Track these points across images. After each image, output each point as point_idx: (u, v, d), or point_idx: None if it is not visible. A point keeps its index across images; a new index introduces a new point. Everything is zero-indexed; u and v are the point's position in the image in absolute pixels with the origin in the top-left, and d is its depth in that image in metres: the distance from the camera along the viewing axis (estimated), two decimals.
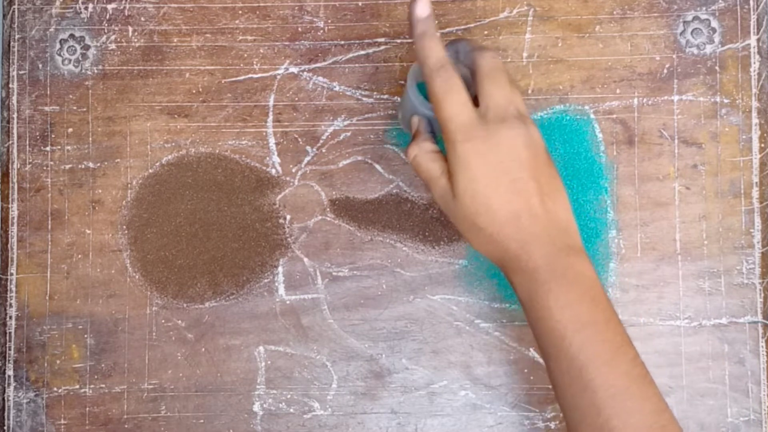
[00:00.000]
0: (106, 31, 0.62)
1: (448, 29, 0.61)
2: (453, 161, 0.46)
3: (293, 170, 0.61)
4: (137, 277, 0.61)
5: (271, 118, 0.61)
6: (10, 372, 0.60)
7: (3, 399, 0.60)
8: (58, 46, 0.62)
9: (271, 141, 0.61)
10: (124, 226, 0.61)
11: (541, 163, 0.47)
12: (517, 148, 0.46)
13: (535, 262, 0.46)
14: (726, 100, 0.61)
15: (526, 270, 0.46)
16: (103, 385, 0.60)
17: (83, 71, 0.62)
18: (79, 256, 0.61)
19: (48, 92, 0.61)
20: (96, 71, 0.62)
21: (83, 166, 0.61)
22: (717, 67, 0.61)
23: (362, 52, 0.61)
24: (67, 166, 0.61)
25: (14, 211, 0.61)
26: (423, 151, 0.49)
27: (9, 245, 0.61)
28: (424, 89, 0.50)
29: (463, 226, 0.48)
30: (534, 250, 0.46)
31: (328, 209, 0.61)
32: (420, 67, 0.48)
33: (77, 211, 0.61)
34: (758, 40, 0.61)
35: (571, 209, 0.48)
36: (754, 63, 0.61)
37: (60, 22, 0.62)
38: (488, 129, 0.46)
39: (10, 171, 0.61)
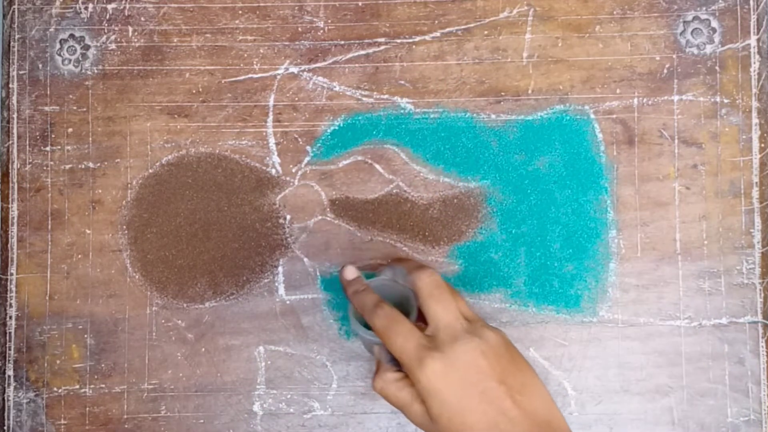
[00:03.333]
0: (106, 31, 0.62)
1: (448, 29, 0.61)
2: (420, 389, 0.47)
3: (293, 170, 0.61)
4: (137, 277, 0.61)
5: (271, 118, 0.61)
6: (10, 372, 0.60)
7: (3, 399, 0.60)
8: (58, 46, 0.62)
9: (271, 141, 0.61)
10: (124, 226, 0.61)
11: (505, 362, 0.47)
12: (476, 360, 0.46)
13: None
14: (726, 100, 0.61)
15: None
16: (103, 385, 0.60)
17: (83, 71, 0.62)
18: (79, 256, 0.61)
19: (48, 92, 0.61)
20: (96, 71, 0.62)
21: (83, 166, 0.61)
22: (717, 67, 0.61)
23: (362, 52, 0.61)
24: (67, 166, 0.61)
25: (14, 211, 0.61)
26: (388, 382, 0.49)
27: (9, 245, 0.61)
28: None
29: None
30: None
31: (328, 209, 0.61)
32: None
33: (77, 211, 0.61)
34: (758, 40, 0.61)
35: (548, 397, 0.47)
36: (754, 63, 0.61)
37: (60, 22, 0.62)
38: (443, 351, 0.46)
39: (10, 171, 0.61)
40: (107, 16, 0.62)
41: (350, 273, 0.53)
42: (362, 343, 0.58)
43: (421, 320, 0.49)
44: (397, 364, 0.49)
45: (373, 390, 0.50)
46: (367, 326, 0.50)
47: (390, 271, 0.53)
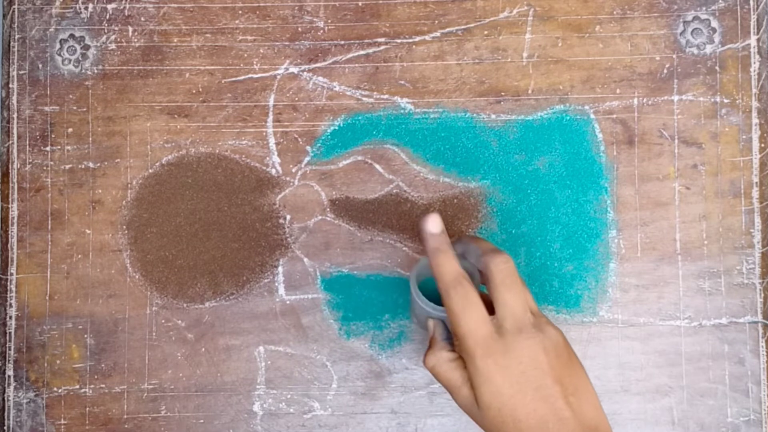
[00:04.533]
0: (106, 31, 0.62)
1: (448, 29, 0.61)
2: (474, 374, 0.46)
3: (293, 170, 0.61)
4: (137, 277, 0.61)
5: (271, 118, 0.61)
6: (10, 372, 0.60)
7: (3, 399, 0.60)
8: (58, 46, 0.62)
9: (271, 141, 0.61)
10: (124, 226, 0.61)
11: (563, 362, 0.47)
12: (537, 356, 0.46)
13: None
14: (726, 100, 0.61)
15: None
16: (103, 385, 0.60)
17: (83, 71, 0.61)
18: (79, 256, 0.61)
19: (48, 92, 0.61)
20: (96, 71, 0.62)
21: (83, 166, 0.61)
22: (717, 67, 0.61)
23: (362, 52, 0.61)
24: (67, 166, 0.61)
25: (14, 211, 0.61)
26: (441, 361, 0.49)
27: (9, 245, 0.61)
28: (427, 285, 0.50)
29: None
30: None
31: (328, 209, 0.61)
32: (425, 271, 0.49)
33: (77, 211, 0.61)
34: (758, 40, 0.61)
35: (598, 402, 0.47)
36: (754, 63, 0.61)
37: (60, 22, 0.62)
38: (507, 342, 0.46)
39: (10, 171, 0.61)
40: (107, 16, 0.62)
41: (435, 225, 0.48)
42: (413, 312, 0.55)
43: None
44: (451, 343, 0.48)
45: (424, 365, 0.49)
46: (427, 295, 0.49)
47: (460, 246, 0.50)
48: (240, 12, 0.62)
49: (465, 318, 0.46)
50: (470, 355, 0.46)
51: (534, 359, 0.46)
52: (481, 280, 0.50)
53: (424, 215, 0.49)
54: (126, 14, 0.62)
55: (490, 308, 0.47)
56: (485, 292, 0.48)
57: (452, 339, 0.50)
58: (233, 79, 0.61)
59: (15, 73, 0.61)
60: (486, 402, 0.46)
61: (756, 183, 0.60)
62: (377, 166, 0.61)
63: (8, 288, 0.60)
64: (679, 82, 0.61)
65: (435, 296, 0.49)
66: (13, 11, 0.62)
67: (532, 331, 0.46)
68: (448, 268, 0.47)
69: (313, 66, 0.61)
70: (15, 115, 0.61)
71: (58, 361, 0.60)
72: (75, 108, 0.61)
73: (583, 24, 0.61)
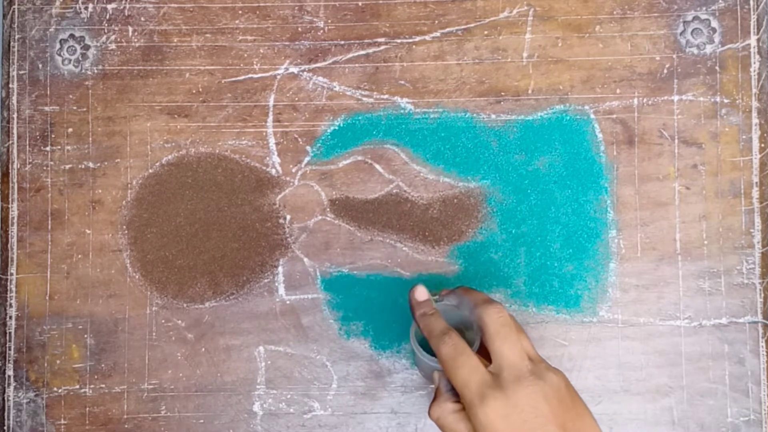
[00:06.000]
0: (106, 31, 0.62)
1: (448, 29, 0.61)
2: (477, 425, 0.46)
3: (293, 170, 0.61)
4: (137, 277, 0.61)
5: (271, 118, 0.61)
6: (10, 372, 0.60)
7: (3, 399, 0.60)
8: (58, 46, 0.62)
9: (271, 141, 0.61)
10: (124, 226, 0.61)
11: (566, 407, 0.47)
12: (538, 404, 0.46)
13: None
14: (726, 100, 0.61)
15: None
16: (103, 385, 0.60)
17: (83, 71, 0.62)
18: (79, 256, 0.61)
19: (48, 92, 0.61)
20: (96, 71, 0.62)
21: (83, 166, 0.61)
22: (717, 67, 0.61)
23: (362, 52, 0.61)
24: (67, 166, 0.61)
25: (14, 211, 0.61)
26: (446, 413, 0.49)
27: (9, 245, 0.61)
28: (425, 342, 0.51)
29: None
30: None
31: (328, 209, 0.61)
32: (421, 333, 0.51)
33: (77, 211, 0.61)
34: (758, 40, 0.61)
35: None
36: (754, 63, 0.61)
37: (60, 22, 0.62)
38: (505, 391, 0.46)
39: (10, 171, 0.61)
40: (107, 16, 0.62)
41: (421, 294, 0.52)
42: (418, 365, 0.57)
43: (480, 352, 0.49)
44: (455, 395, 0.49)
45: (429, 417, 0.50)
46: (428, 350, 0.50)
47: (455, 298, 0.52)
48: (240, 12, 0.62)
49: (457, 366, 0.47)
50: (470, 405, 0.46)
51: (535, 407, 0.45)
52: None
53: (412, 287, 0.52)
54: (126, 14, 0.62)
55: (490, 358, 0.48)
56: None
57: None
58: (233, 79, 0.61)
59: (15, 73, 0.61)
60: None
61: (756, 183, 0.60)
62: (377, 166, 0.61)
63: (8, 288, 0.60)
64: (679, 82, 0.61)
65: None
66: (13, 11, 0.62)
67: (531, 379, 0.46)
68: (436, 325, 0.49)
69: (313, 66, 0.61)
70: (15, 115, 0.61)
71: (58, 361, 0.60)
72: (75, 108, 0.61)
73: (583, 24, 0.61)
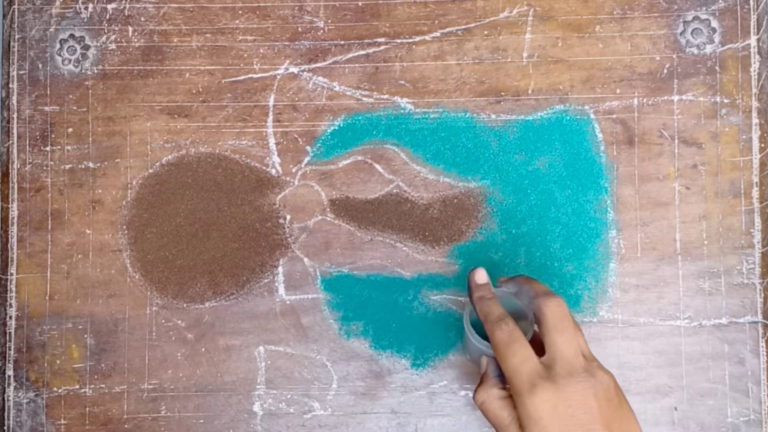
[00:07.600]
0: (106, 31, 0.62)
1: (448, 29, 0.61)
2: (523, 414, 0.46)
3: (293, 170, 0.61)
4: (137, 277, 0.61)
5: (271, 118, 0.61)
6: (10, 372, 0.60)
7: (3, 399, 0.60)
8: (58, 46, 0.62)
9: (271, 141, 0.61)
10: (124, 226, 0.61)
11: (614, 407, 0.47)
12: (587, 400, 0.46)
13: None
14: (726, 100, 0.61)
15: None
16: (103, 385, 0.60)
17: (83, 71, 0.62)
18: (79, 256, 0.61)
19: (48, 92, 0.61)
20: (96, 71, 0.62)
21: (83, 166, 0.61)
22: (717, 67, 0.61)
23: (362, 52, 0.61)
24: (67, 166, 0.61)
25: (14, 211, 0.61)
26: (492, 398, 0.49)
27: (9, 245, 0.61)
28: (478, 325, 0.51)
29: None
30: None
31: (328, 209, 0.61)
32: (475, 315, 0.51)
33: (77, 211, 0.61)
34: (758, 40, 0.61)
35: None
36: (754, 63, 0.61)
37: (60, 22, 0.62)
38: (556, 383, 0.46)
39: (10, 171, 0.61)
40: (107, 16, 0.62)
41: (481, 277, 0.52)
42: (466, 347, 0.57)
43: (532, 342, 0.48)
44: (502, 381, 0.49)
45: (474, 401, 0.50)
46: (480, 334, 0.50)
47: (514, 286, 0.52)
48: (240, 12, 0.62)
49: (510, 354, 0.47)
50: (518, 393, 0.46)
51: (584, 403, 0.45)
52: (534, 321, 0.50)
53: (473, 269, 0.52)
54: (126, 14, 0.62)
55: (541, 350, 0.47)
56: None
57: (504, 378, 0.50)
58: (233, 79, 0.61)
59: (15, 73, 0.61)
60: None
61: (756, 183, 0.60)
62: (377, 166, 0.61)
63: (8, 288, 0.60)
64: (679, 82, 0.61)
65: (487, 337, 0.50)
66: (13, 11, 0.62)
67: (584, 375, 0.46)
68: (493, 309, 0.49)
69: (313, 66, 0.61)
70: (15, 115, 0.61)
71: (58, 361, 0.60)
72: (75, 108, 0.61)
73: (583, 24, 0.61)
